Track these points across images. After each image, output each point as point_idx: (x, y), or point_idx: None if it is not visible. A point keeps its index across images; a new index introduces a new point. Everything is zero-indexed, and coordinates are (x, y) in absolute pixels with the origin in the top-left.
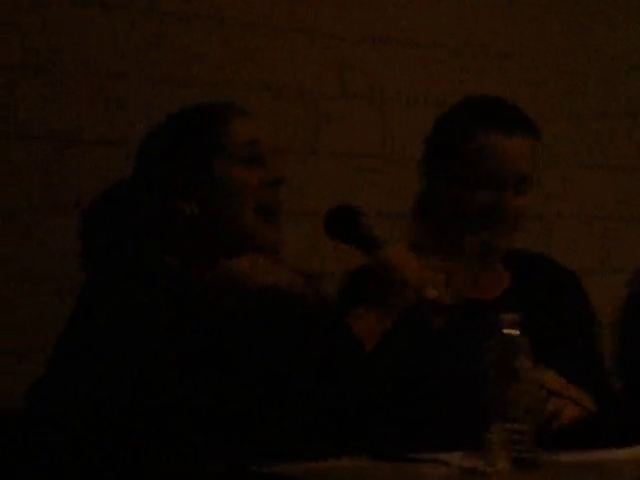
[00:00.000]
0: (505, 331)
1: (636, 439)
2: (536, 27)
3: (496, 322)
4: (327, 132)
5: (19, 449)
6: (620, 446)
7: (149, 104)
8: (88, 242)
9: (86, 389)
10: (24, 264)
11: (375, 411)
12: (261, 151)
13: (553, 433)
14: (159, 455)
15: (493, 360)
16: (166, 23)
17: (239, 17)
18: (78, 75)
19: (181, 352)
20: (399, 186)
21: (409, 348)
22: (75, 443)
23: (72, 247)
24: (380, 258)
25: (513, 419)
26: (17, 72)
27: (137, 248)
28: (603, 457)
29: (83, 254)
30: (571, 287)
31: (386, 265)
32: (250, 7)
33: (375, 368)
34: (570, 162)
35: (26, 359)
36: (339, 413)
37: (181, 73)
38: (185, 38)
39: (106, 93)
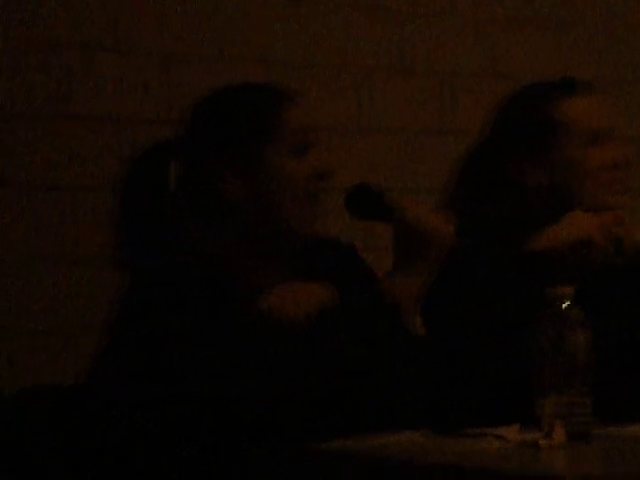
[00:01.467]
0: (559, 303)
1: None
2: None
3: (550, 293)
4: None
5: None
6: None
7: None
8: (128, 226)
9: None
10: (62, 244)
11: (427, 381)
12: (311, 140)
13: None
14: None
15: (547, 332)
16: None
17: None
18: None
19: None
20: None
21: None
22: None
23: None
24: (400, 219)
25: (568, 391)
26: None
27: (181, 237)
28: None
29: (123, 240)
30: None
31: (407, 224)
32: None
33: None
34: None
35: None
36: (391, 386)
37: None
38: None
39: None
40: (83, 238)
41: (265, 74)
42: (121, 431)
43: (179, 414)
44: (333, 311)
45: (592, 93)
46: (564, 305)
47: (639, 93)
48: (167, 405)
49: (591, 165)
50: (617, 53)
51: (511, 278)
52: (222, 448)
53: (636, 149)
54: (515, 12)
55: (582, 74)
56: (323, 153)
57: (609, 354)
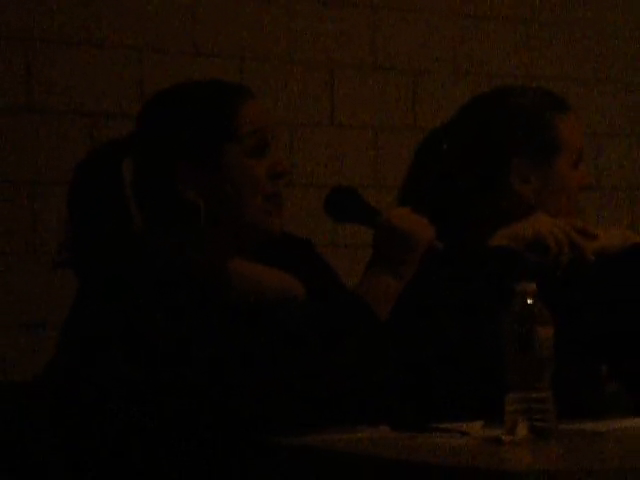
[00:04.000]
0: (523, 299)
1: None
2: None
3: (514, 291)
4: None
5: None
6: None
7: None
8: (80, 219)
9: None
10: (33, 238)
11: (394, 379)
12: (269, 139)
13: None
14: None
15: (511, 328)
16: None
17: None
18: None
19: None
20: None
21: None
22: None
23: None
24: (385, 221)
25: (531, 387)
26: None
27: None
28: (622, 425)
29: (72, 237)
30: None
31: (392, 225)
32: None
33: (393, 334)
34: None
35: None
36: (356, 383)
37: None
38: None
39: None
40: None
41: (239, 70)
42: (118, 426)
43: (176, 409)
44: (294, 301)
45: (573, 110)
46: (529, 301)
47: (604, 90)
48: (164, 400)
49: (572, 184)
50: (585, 52)
51: (472, 272)
52: (220, 443)
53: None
54: (485, 9)
55: (547, 72)
56: (279, 152)
57: (568, 351)
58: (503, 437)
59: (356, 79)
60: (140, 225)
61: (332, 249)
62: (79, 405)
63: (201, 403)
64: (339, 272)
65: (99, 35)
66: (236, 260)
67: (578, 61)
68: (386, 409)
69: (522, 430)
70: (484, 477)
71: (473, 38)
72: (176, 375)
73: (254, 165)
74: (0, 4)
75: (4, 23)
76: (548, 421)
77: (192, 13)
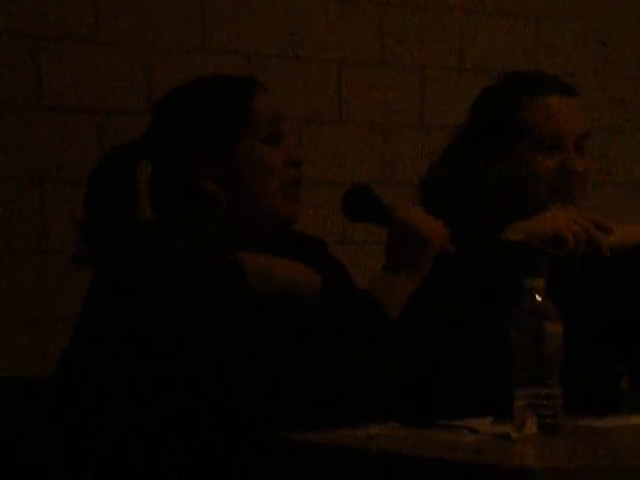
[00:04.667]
0: (532, 295)
1: None
2: None
3: (523, 287)
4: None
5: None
6: None
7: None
8: (96, 218)
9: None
10: (41, 235)
11: (405, 377)
12: (283, 128)
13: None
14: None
15: (520, 324)
16: None
17: None
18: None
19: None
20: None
21: (437, 306)
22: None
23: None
24: (399, 222)
25: (540, 383)
26: None
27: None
28: (631, 422)
29: (89, 230)
30: None
31: (404, 225)
32: None
33: (404, 331)
34: None
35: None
36: (365, 379)
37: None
38: None
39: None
40: (51, 229)
41: (245, 66)
42: (118, 426)
43: (176, 409)
44: (310, 295)
45: (565, 92)
46: (538, 297)
47: (610, 87)
48: (164, 399)
49: (537, 169)
50: (589, 47)
51: (485, 267)
52: (220, 442)
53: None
54: (492, 4)
55: (553, 68)
56: (295, 142)
57: (578, 347)
58: (512, 434)
59: (364, 75)
60: (154, 221)
61: (341, 246)
62: (79, 405)
63: (201, 402)
64: (351, 270)
65: (107, 32)
66: (252, 254)
67: (586, 57)
68: (394, 406)
69: (531, 427)
70: (493, 474)
71: (481, 34)
72: (179, 372)
73: (270, 152)
74: (9, 1)
75: (13, 20)
76: (557, 417)
77: (200, 10)
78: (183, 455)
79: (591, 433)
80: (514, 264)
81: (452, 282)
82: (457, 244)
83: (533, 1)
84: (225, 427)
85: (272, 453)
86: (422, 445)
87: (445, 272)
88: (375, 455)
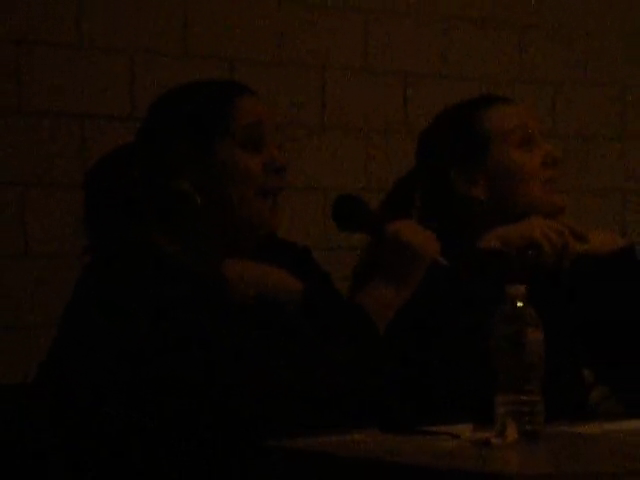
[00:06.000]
0: (513, 302)
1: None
2: None
3: (504, 294)
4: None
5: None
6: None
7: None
8: (89, 221)
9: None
10: (23, 240)
11: (388, 384)
12: (265, 133)
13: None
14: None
15: (501, 331)
16: None
17: None
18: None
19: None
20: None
21: (426, 316)
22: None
23: (71, 223)
24: (391, 233)
25: (521, 390)
26: None
27: (135, 232)
28: (610, 428)
29: (87, 232)
30: None
31: (397, 238)
32: None
33: (392, 342)
34: None
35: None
36: (352, 382)
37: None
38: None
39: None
40: (34, 235)
41: (229, 72)
42: (117, 426)
43: (176, 409)
44: (290, 300)
45: (511, 102)
46: (519, 304)
47: (595, 94)
48: (164, 400)
49: (524, 167)
50: (572, 55)
51: (463, 275)
52: (219, 443)
53: (593, 148)
54: (477, 12)
55: (538, 75)
56: (277, 148)
57: (558, 353)
58: (493, 440)
59: (347, 81)
60: (142, 228)
61: (324, 252)
62: (79, 405)
63: (201, 403)
64: (335, 275)
65: (90, 37)
66: (233, 259)
67: (571, 65)
68: (382, 410)
69: (511, 433)
70: None
71: (464, 42)
72: (174, 375)
73: (247, 159)
74: None
75: (4, 28)
76: (537, 424)
77: (182, 16)
78: (181, 456)
79: (572, 439)
80: (490, 271)
81: (444, 293)
82: (448, 257)
83: (516, 10)
84: (221, 429)
85: (264, 457)
86: (402, 451)
87: (436, 283)
88: (357, 461)
